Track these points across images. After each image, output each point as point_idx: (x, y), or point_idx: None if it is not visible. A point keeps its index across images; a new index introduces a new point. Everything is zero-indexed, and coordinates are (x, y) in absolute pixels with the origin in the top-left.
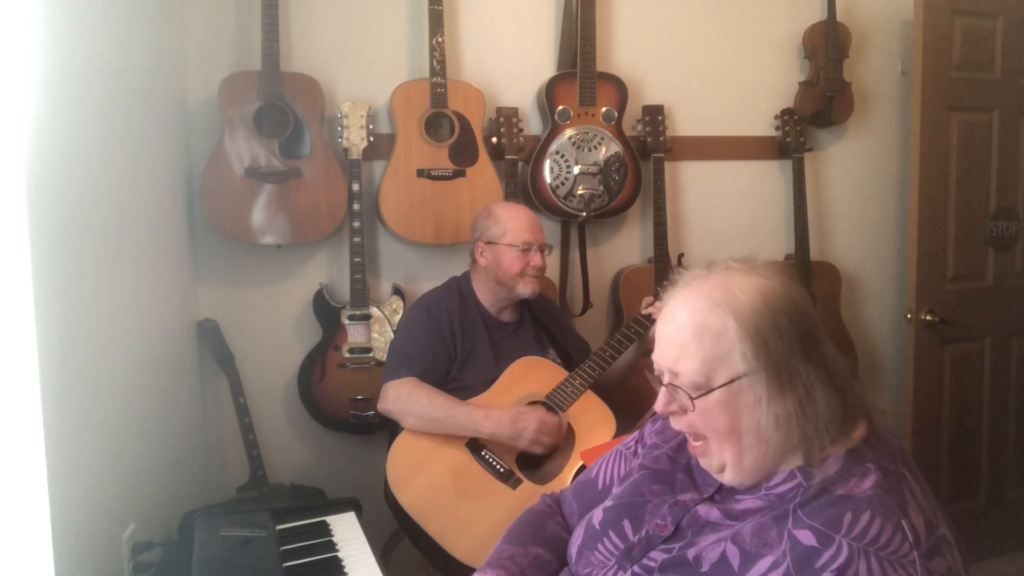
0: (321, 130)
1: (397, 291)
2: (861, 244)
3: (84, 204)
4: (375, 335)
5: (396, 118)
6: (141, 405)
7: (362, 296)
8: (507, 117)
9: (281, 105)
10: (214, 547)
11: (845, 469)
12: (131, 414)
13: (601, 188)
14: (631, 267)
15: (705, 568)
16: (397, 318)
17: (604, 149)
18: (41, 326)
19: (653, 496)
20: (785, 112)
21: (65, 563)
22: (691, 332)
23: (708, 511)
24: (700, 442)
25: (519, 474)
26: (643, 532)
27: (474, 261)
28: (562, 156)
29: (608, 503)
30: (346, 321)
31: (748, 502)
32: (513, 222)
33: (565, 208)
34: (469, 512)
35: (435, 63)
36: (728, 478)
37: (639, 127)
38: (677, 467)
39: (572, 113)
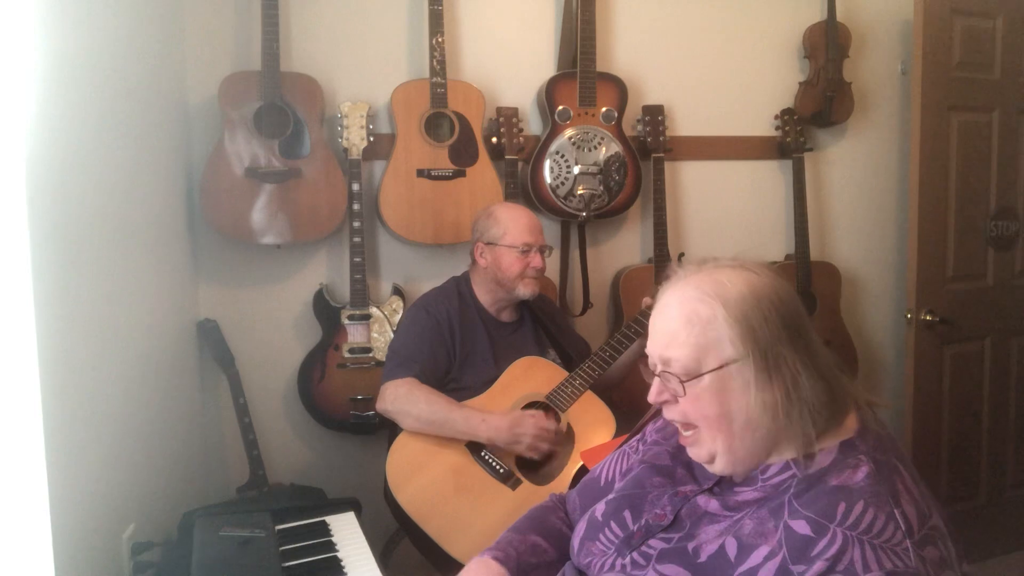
0: (321, 130)
1: (397, 291)
2: (861, 244)
3: (84, 204)
4: (375, 335)
5: (396, 118)
6: (141, 405)
7: (362, 296)
8: (507, 117)
9: (281, 105)
10: (214, 547)
11: (839, 460)
12: (131, 414)
13: (601, 188)
14: (631, 267)
15: (703, 558)
16: (397, 318)
17: (604, 149)
18: (41, 326)
19: (654, 488)
20: (785, 112)
21: (65, 563)
22: (682, 320)
23: (707, 501)
24: (691, 432)
25: (519, 475)
26: (643, 521)
27: (474, 261)
28: (562, 156)
29: (610, 496)
30: (346, 321)
31: (746, 493)
32: (513, 223)
33: (565, 208)
34: (469, 512)
35: (435, 63)
36: (719, 467)
37: (639, 127)
38: (678, 462)
39: (572, 113)
